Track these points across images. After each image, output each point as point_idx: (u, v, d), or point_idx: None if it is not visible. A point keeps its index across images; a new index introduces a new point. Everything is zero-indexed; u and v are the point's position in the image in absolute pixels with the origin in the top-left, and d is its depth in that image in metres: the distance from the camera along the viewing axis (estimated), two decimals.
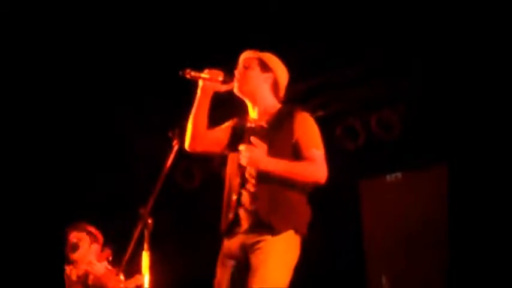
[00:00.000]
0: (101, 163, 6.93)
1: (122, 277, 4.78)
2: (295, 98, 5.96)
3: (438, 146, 5.94)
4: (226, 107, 3.73)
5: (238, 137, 3.57)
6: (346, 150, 6.37)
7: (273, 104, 3.63)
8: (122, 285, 4.78)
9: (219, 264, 3.49)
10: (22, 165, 6.92)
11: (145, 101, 6.61)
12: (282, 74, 3.67)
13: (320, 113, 6.25)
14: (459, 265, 5.70)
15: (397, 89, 6.08)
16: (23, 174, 6.92)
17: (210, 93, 3.56)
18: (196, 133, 3.55)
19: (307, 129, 3.49)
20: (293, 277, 3.35)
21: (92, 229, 5.13)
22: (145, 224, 3.15)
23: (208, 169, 6.83)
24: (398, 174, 6.51)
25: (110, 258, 4.93)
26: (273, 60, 3.66)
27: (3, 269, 6.75)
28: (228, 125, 3.69)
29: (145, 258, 3.15)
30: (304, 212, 3.46)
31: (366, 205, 6.63)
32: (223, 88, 3.58)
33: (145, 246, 3.15)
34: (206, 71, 3.55)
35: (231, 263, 3.43)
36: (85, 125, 6.91)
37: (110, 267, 4.90)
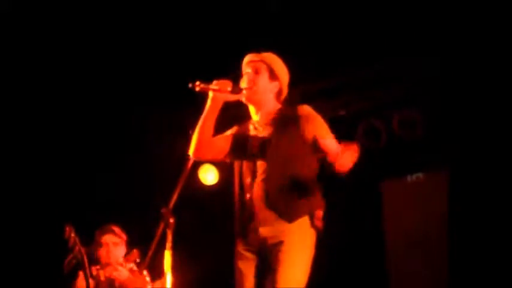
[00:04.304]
0: (123, 163, 6.95)
1: (147, 278, 4.80)
2: (317, 97, 5.98)
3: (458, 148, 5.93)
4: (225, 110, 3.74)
5: (241, 145, 3.63)
6: (367, 150, 6.33)
7: (274, 107, 3.72)
8: (149, 287, 4.81)
9: (237, 259, 3.55)
10: (37, 165, 6.94)
11: (166, 100, 6.63)
12: (287, 82, 3.76)
13: (341, 113, 6.23)
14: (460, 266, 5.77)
15: (419, 89, 6.05)
16: (38, 174, 6.93)
17: (220, 104, 3.59)
18: (202, 142, 3.59)
19: (315, 121, 3.57)
20: (315, 276, 3.38)
21: (118, 230, 5.17)
22: (167, 224, 3.17)
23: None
24: (420, 175, 6.48)
25: (138, 260, 4.92)
26: (280, 68, 3.73)
27: (18, 269, 6.75)
28: (229, 133, 3.75)
29: (168, 257, 3.18)
30: (318, 200, 3.52)
31: (387, 206, 6.59)
32: (232, 98, 3.61)
33: (168, 245, 3.18)
34: (215, 82, 3.56)
35: (252, 256, 3.51)
36: (105, 125, 6.93)
37: (135, 268, 4.90)
